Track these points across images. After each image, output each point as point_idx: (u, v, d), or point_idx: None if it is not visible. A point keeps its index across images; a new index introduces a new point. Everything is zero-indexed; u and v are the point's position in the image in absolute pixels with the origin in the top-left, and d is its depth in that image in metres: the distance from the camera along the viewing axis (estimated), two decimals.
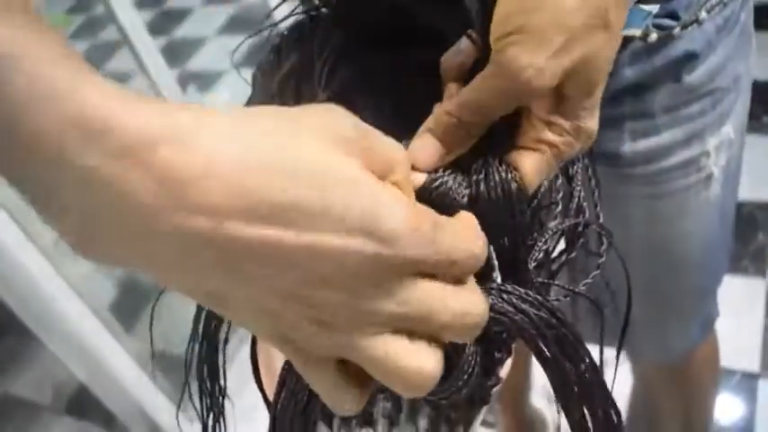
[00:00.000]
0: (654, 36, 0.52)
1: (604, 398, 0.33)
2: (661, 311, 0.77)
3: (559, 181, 0.39)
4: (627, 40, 0.52)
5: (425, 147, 0.32)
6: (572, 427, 0.33)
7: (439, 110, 0.33)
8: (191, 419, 1.42)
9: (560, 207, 0.38)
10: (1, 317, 1.24)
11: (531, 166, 0.33)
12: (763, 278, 1.43)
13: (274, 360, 0.36)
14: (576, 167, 0.40)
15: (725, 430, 1.24)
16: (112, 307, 1.38)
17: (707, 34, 0.55)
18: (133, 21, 1.35)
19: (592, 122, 0.33)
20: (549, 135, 0.33)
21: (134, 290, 1.54)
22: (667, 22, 0.53)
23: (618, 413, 0.33)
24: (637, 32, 0.51)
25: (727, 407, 1.27)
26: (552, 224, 0.37)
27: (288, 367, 0.32)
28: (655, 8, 0.50)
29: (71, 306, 1.16)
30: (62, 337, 1.23)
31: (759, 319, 1.37)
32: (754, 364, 1.30)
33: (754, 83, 0.64)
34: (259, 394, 0.39)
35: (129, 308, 1.46)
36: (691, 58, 0.56)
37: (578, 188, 0.39)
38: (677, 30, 0.53)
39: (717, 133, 0.61)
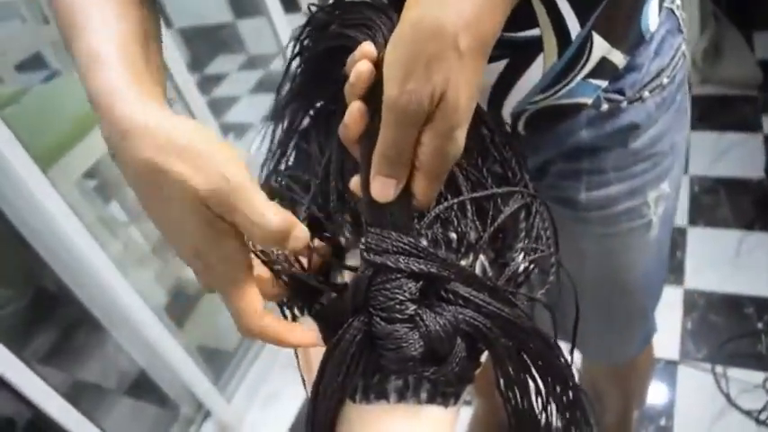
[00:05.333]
0: (605, 107, 0.53)
1: (562, 371, 0.35)
2: (611, 327, 0.75)
3: (522, 215, 0.40)
4: (580, 107, 0.52)
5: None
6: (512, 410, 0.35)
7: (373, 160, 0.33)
8: (228, 400, 1.43)
9: (524, 234, 0.40)
10: (76, 313, 1.23)
11: (418, 192, 0.33)
12: (680, 287, 1.47)
13: (312, 359, 0.38)
14: (535, 207, 0.41)
15: (649, 408, 1.26)
16: (166, 307, 1.39)
17: (648, 110, 0.55)
18: (186, 81, 1.34)
19: (459, 141, 0.32)
20: (421, 155, 0.32)
21: (181, 295, 1.55)
22: (616, 96, 0.53)
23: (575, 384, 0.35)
24: (588, 101, 0.52)
25: (652, 386, 1.27)
26: (518, 246, 0.39)
27: (324, 361, 0.34)
28: (603, 83, 0.51)
29: (134, 305, 1.17)
30: (126, 331, 1.23)
31: (678, 319, 1.40)
32: (674, 354, 1.34)
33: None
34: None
35: (179, 309, 1.47)
36: (635, 128, 0.55)
37: (537, 221, 0.40)
38: (624, 104, 0.54)
39: (656, 188, 0.60)
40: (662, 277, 0.75)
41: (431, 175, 0.33)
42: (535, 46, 0.45)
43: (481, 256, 0.38)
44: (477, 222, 0.38)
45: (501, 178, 0.41)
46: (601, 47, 0.48)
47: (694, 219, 1.61)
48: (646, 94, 0.54)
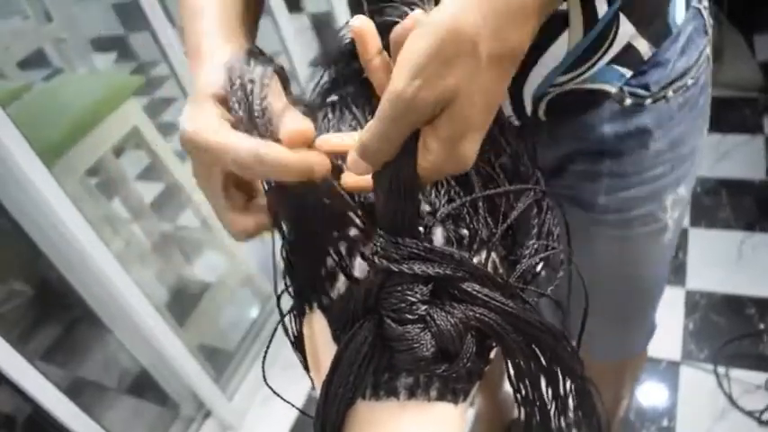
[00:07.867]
0: (629, 101, 0.52)
1: (572, 367, 0.34)
2: (622, 326, 0.77)
3: (534, 211, 0.39)
4: (604, 96, 0.51)
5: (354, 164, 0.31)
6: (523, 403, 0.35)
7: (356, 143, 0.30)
8: (229, 399, 1.43)
9: (536, 230, 0.39)
10: (78, 310, 1.21)
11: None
12: (682, 287, 1.47)
13: (321, 359, 0.38)
14: (546, 203, 0.40)
15: (651, 408, 1.27)
16: (168, 305, 1.38)
17: (671, 110, 0.54)
18: (191, 79, 1.36)
19: (465, 152, 0.30)
20: (423, 162, 0.30)
21: (183, 294, 1.55)
22: (641, 91, 0.52)
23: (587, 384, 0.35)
24: (612, 89, 0.51)
25: (654, 387, 1.30)
26: (529, 243, 0.38)
27: (335, 361, 0.34)
28: (628, 72, 0.50)
29: (136, 303, 1.16)
30: (128, 328, 1.22)
31: (680, 320, 1.40)
32: (676, 355, 1.34)
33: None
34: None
35: (180, 308, 1.46)
36: (658, 128, 0.54)
37: (548, 217, 0.40)
38: (648, 101, 0.53)
39: (673, 192, 0.60)
40: (667, 274, 0.77)
41: (430, 180, 0.32)
42: (561, 21, 0.45)
43: (492, 254, 0.38)
44: (489, 219, 0.38)
45: (512, 173, 0.40)
46: (627, 30, 0.47)
47: (696, 219, 1.62)
48: (670, 93, 0.53)
